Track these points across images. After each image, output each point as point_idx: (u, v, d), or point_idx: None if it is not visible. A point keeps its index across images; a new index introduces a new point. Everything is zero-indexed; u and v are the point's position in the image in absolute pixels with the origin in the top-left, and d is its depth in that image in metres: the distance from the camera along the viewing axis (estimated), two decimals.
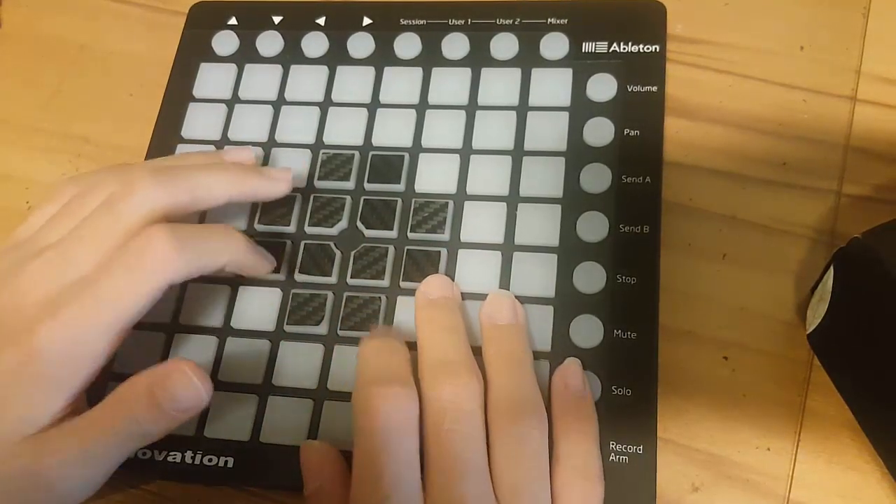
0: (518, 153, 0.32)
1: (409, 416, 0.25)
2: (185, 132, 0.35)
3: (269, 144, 0.34)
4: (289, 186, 0.30)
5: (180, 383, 0.25)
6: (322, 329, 0.30)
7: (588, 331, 0.28)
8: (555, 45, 0.33)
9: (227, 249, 0.28)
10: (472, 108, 0.33)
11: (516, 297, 0.29)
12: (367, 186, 0.32)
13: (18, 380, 0.25)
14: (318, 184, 0.32)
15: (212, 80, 0.36)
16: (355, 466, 0.25)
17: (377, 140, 0.33)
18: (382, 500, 0.23)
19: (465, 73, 0.34)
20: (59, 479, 0.24)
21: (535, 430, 0.26)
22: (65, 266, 0.26)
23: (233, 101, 0.35)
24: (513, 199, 0.31)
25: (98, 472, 0.25)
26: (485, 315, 0.29)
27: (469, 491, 0.24)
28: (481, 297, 0.29)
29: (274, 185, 0.30)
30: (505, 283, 0.30)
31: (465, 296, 0.30)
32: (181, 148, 0.34)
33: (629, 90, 0.32)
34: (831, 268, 0.26)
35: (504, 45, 0.34)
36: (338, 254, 0.31)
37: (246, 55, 0.36)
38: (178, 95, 0.35)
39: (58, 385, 0.25)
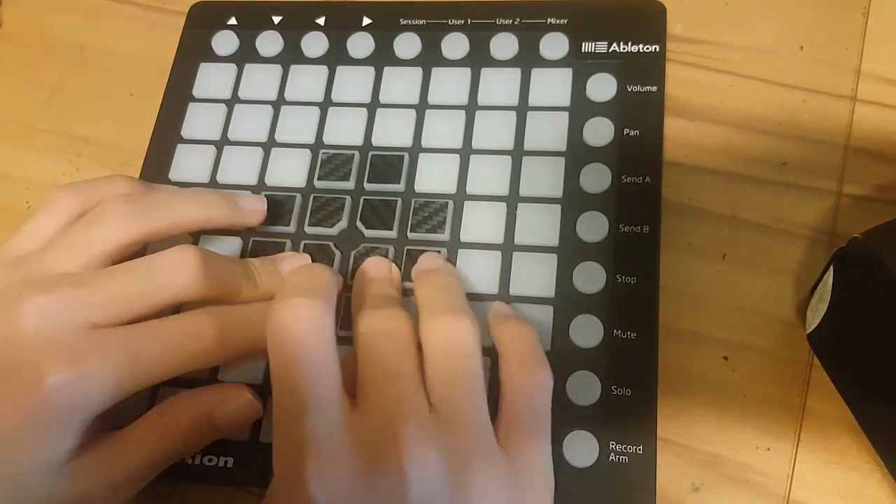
0: (518, 153, 0.32)
1: (321, 324, 0.24)
2: (185, 132, 0.35)
3: (269, 144, 0.34)
4: (261, 218, 0.31)
5: (239, 405, 0.27)
6: None
7: (588, 331, 0.28)
8: (555, 45, 0.33)
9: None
10: (471, 108, 0.33)
11: (516, 297, 0.29)
12: (367, 186, 0.32)
13: (29, 425, 0.24)
14: (318, 184, 0.32)
15: (212, 80, 0.36)
16: (273, 382, 0.24)
17: (377, 140, 0.33)
18: (302, 409, 0.23)
19: (465, 73, 0.34)
20: None
21: (468, 328, 0.25)
22: (73, 310, 0.25)
23: (233, 101, 0.35)
24: (513, 199, 0.31)
25: (130, 493, 0.26)
26: (415, 270, 0.30)
27: (400, 392, 0.24)
28: (481, 297, 0.29)
29: (246, 218, 0.31)
30: (505, 282, 0.30)
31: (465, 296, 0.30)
32: (181, 148, 0.34)
33: (629, 90, 0.32)
34: (831, 268, 0.26)
35: (504, 45, 0.34)
36: (338, 254, 0.31)
37: (246, 55, 0.36)
38: (177, 95, 0.35)
39: (67, 428, 0.24)
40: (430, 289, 0.28)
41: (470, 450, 0.23)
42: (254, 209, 0.31)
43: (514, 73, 0.33)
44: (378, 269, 0.30)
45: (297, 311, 0.24)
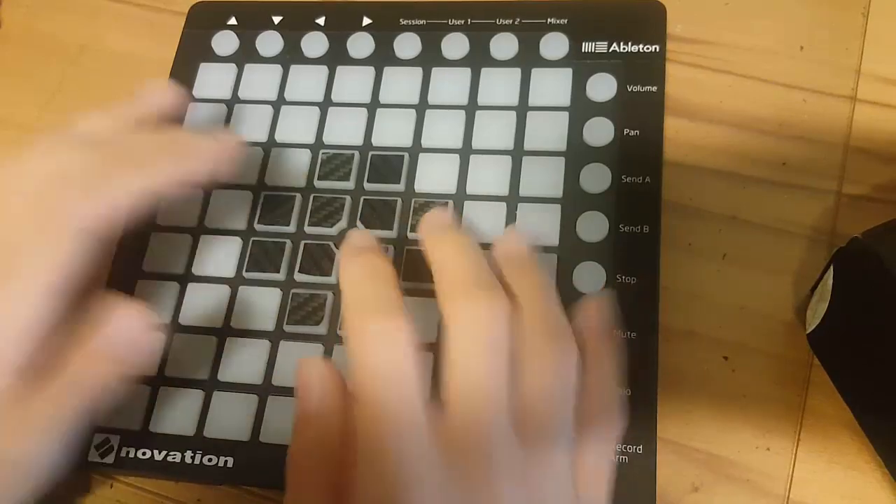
0: (518, 153, 0.32)
1: (407, 355, 0.22)
2: None
3: (269, 144, 0.34)
4: (235, 152, 0.29)
5: (131, 329, 0.25)
6: (322, 329, 0.30)
7: None
8: (555, 45, 0.33)
9: (154, 173, 0.27)
10: (471, 108, 0.33)
11: None
12: (367, 186, 0.32)
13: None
14: (318, 184, 0.32)
15: (212, 80, 0.36)
16: (359, 411, 0.22)
17: (377, 140, 0.33)
18: (393, 478, 0.21)
19: (465, 73, 0.34)
20: (22, 456, 0.23)
21: (571, 357, 0.23)
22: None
23: (232, 101, 0.35)
24: (512, 199, 0.31)
25: (65, 438, 0.24)
26: (500, 244, 0.27)
27: (492, 434, 0.22)
28: None
29: (220, 154, 0.28)
30: None
31: None
32: None
33: (629, 90, 0.32)
34: (831, 268, 0.26)
35: (504, 45, 0.34)
36: (338, 254, 0.31)
37: (246, 55, 0.36)
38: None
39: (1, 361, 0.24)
40: (536, 298, 0.25)
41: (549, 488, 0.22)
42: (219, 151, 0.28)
43: (514, 73, 0.33)
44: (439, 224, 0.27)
45: (385, 350, 0.22)
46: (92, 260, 0.25)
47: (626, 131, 0.31)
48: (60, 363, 0.24)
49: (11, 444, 0.24)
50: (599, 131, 0.32)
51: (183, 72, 0.36)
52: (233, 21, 0.37)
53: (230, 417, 0.29)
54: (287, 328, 0.30)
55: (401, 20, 0.35)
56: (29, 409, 0.24)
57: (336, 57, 0.35)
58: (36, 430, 0.24)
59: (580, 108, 0.32)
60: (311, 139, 0.34)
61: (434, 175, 0.32)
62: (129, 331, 0.25)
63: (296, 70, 0.35)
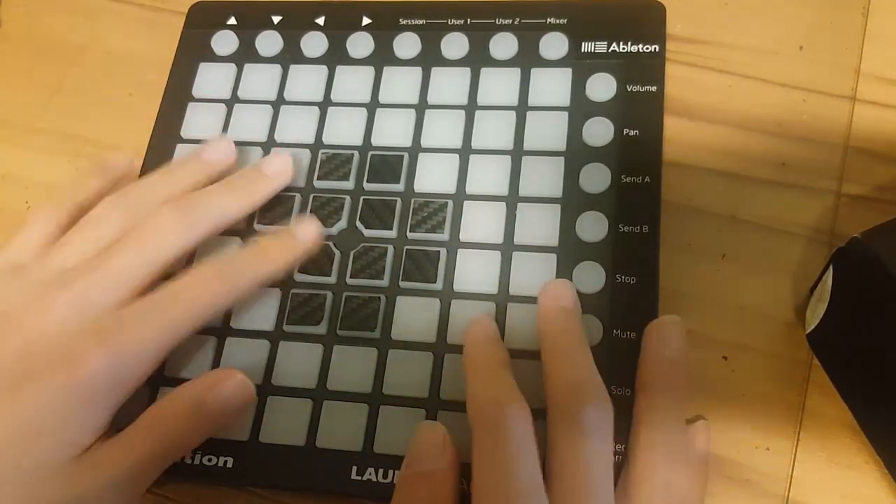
0: (517, 153, 0.32)
1: (527, 431, 0.24)
2: (185, 132, 0.35)
3: (269, 144, 0.34)
4: (289, 176, 0.32)
5: (231, 387, 0.27)
6: (321, 329, 0.30)
7: (588, 330, 0.28)
8: (554, 44, 0.33)
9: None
10: (471, 107, 0.33)
11: (516, 297, 0.29)
12: (367, 186, 0.32)
13: (68, 406, 0.25)
14: (318, 184, 0.32)
15: (211, 79, 0.36)
16: (477, 480, 0.23)
17: (376, 140, 0.33)
18: None
19: (465, 73, 0.34)
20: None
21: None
22: (97, 297, 0.27)
23: (232, 101, 0.35)
24: (512, 199, 0.31)
25: (136, 493, 0.26)
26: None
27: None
28: (480, 296, 0.29)
29: (275, 182, 0.32)
30: (504, 283, 0.30)
31: (464, 295, 0.30)
32: (180, 148, 0.34)
33: (629, 90, 0.32)
34: (831, 268, 0.26)
35: (503, 44, 0.34)
36: (337, 253, 0.31)
37: (245, 55, 0.36)
38: (177, 95, 0.35)
39: (105, 407, 0.26)
40: (657, 393, 0.26)
41: None
42: (278, 171, 0.32)
43: (514, 73, 0.33)
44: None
45: (510, 419, 0.24)
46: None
47: (625, 131, 0.31)
48: None
49: (86, 494, 0.25)
50: (599, 131, 0.31)
51: (182, 72, 0.36)
52: (232, 21, 0.37)
53: None
54: (287, 328, 0.30)
55: (400, 20, 0.35)
56: (111, 462, 0.25)
57: (336, 57, 0.35)
58: (115, 482, 0.25)
59: (580, 108, 0.32)
60: (310, 139, 0.34)
61: (434, 175, 0.32)
62: (230, 389, 0.27)
63: (295, 70, 0.35)
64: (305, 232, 0.30)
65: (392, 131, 0.33)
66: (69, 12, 0.40)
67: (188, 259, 0.31)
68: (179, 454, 0.27)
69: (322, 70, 0.35)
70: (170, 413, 0.27)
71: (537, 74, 0.33)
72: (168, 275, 0.29)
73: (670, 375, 0.26)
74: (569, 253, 0.30)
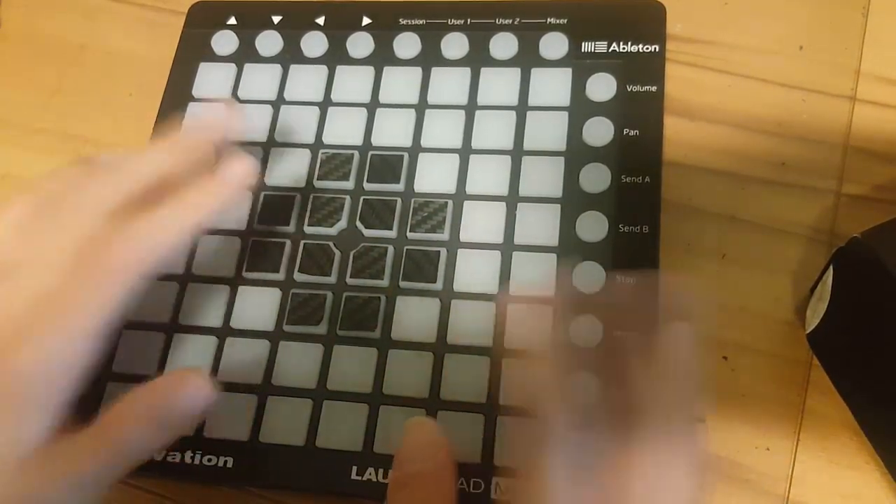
0: (517, 153, 0.32)
1: None
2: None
3: (269, 144, 0.34)
4: (248, 179, 0.28)
5: (188, 390, 0.25)
6: (321, 329, 0.30)
7: (588, 331, 0.28)
8: (554, 44, 0.33)
9: (183, 221, 0.27)
10: (471, 107, 0.33)
11: (516, 297, 0.29)
12: (367, 186, 0.32)
13: (2, 405, 0.24)
14: (318, 184, 0.32)
15: (211, 79, 0.36)
16: None
17: (376, 140, 0.33)
18: None
19: (465, 73, 0.34)
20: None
21: None
22: (30, 285, 0.25)
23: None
24: (512, 199, 0.31)
25: (95, 494, 0.24)
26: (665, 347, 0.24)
27: None
28: (481, 297, 0.29)
29: (228, 193, 0.28)
30: (504, 282, 0.30)
31: (464, 296, 0.30)
32: None
33: (629, 90, 0.32)
34: (831, 267, 0.26)
35: (503, 44, 0.34)
36: (337, 253, 0.31)
37: (245, 55, 0.36)
38: (177, 95, 0.35)
39: (44, 404, 0.24)
40: None
41: None
42: (237, 174, 0.28)
43: (514, 73, 0.33)
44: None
45: None
46: (134, 297, 0.25)
47: (625, 131, 0.31)
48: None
49: (43, 493, 0.24)
50: (599, 131, 0.31)
51: (182, 71, 0.36)
52: (232, 21, 0.37)
53: (230, 417, 0.29)
54: (286, 328, 0.30)
55: (400, 20, 0.35)
56: (68, 459, 0.24)
57: (336, 57, 0.35)
58: (73, 481, 0.24)
59: (580, 108, 0.32)
60: (310, 139, 0.34)
61: (433, 175, 0.32)
62: (193, 389, 0.25)
63: (295, 70, 0.35)
64: (232, 172, 0.28)
65: (392, 131, 0.33)
66: (69, 12, 0.40)
67: None
68: (143, 456, 0.25)
69: (322, 70, 0.35)
70: (131, 414, 0.25)
71: (537, 74, 0.33)
72: None
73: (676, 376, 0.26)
74: (569, 253, 0.30)
